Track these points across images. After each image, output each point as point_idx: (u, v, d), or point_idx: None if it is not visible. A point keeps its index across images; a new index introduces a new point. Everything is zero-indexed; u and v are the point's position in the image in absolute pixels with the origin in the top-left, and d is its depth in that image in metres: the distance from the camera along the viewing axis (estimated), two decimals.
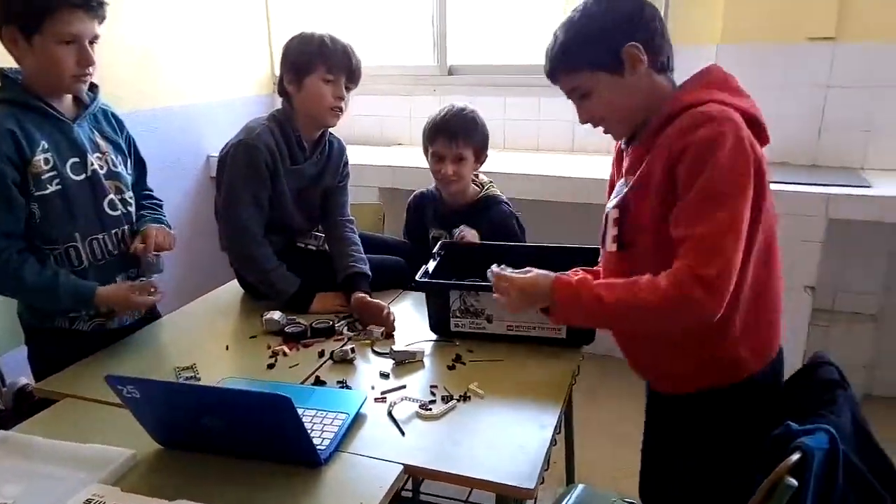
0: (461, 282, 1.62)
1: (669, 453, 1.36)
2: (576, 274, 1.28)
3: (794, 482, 0.95)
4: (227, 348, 1.58)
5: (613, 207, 1.26)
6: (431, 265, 1.69)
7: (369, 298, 1.72)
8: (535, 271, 1.28)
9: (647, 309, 1.11)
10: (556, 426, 1.25)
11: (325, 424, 1.20)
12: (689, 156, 1.10)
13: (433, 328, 1.62)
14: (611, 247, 1.26)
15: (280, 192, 1.79)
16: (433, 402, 1.31)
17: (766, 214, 1.17)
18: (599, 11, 1.18)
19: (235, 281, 1.94)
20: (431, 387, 1.37)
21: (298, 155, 1.81)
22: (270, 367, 1.47)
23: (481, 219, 1.99)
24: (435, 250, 1.79)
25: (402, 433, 1.22)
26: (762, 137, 1.18)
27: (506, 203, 2.03)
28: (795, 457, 0.96)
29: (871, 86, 2.39)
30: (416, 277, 1.62)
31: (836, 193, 2.19)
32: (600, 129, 1.27)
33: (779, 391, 1.28)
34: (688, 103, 1.15)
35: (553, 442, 1.22)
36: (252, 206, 1.74)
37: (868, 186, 2.22)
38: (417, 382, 1.40)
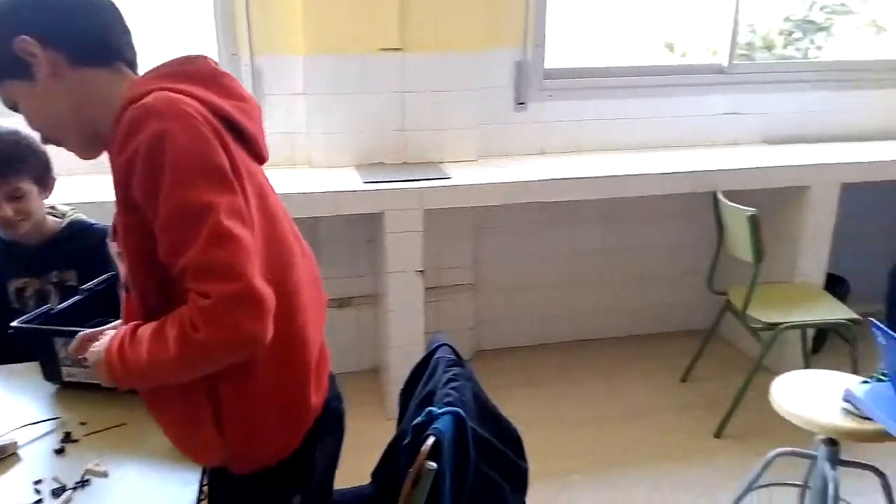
0: (60, 327, 1.36)
1: None
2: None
3: (433, 465, 1.03)
4: None
5: (111, 240, 1.07)
6: (64, 304, 1.44)
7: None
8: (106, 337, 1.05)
9: (183, 357, 0.90)
10: (200, 479, 1.14)
11: None
12: (137, 168, 0.88)
13: (46, 376, 1.40)
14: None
15: None
16: (39, 501, 1.06)
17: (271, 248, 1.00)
18: None
19: None
20: (35, 483, 1.11)
21: None
22: None
23: (76, 251, 1.71)
24: (90, 284, 1.52)
25: None
26: (257, 156, 1.06)
27: (99, 226, 1.78)
28: (430, 441, 1.04)
29: (437, 90, 2.75)
30: (17, 322, 1.36)
31: (426, 187, 2.47)
32: None
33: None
34: (129, 99, 0.93)
35: (201, 495, 1.11)
36: None
37: (449, 178, 2.56)
38: (14, 483, 1.12)
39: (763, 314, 2.44)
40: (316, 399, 1.11)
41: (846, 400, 1.61)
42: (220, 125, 0.95)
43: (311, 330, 1.09)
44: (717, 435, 2.53)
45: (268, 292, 0.90)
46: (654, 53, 3.34)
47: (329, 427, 1.16)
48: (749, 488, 1.89)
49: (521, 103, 2.87)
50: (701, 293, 2.83)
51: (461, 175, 2.60)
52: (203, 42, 2.62)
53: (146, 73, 1.02)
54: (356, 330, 2.97)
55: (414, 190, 2.45)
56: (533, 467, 2.32)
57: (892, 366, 1.46)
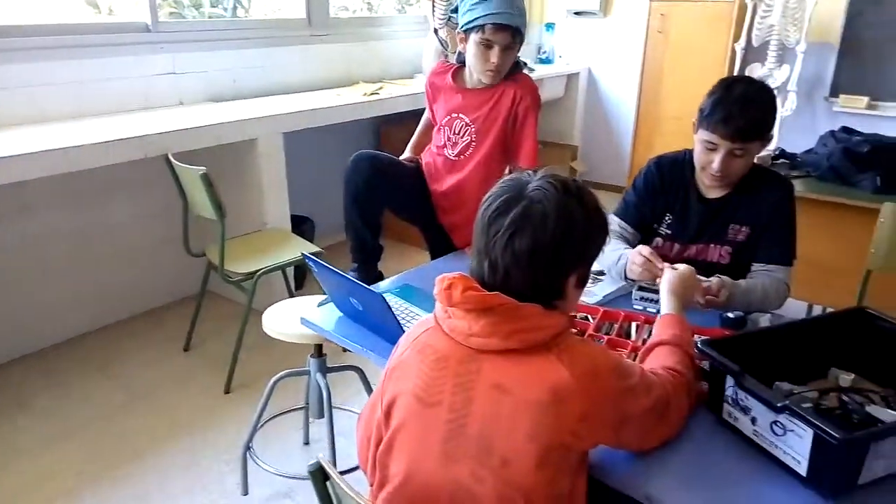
0: None
1: None
2: None
3: None
4: None
5: None
6: None
7: None
8: None
9: None
10: None
11: None
12: None
13: None
14: None
15: None
16: None
17: None
18: None
19: None
20: None
21: None
22: None
23: None
24: None
25: None
26: None
27: None
28: None
29: None
30: None
31: None
32: None
33: None
34: None
35: None
36: None
37: None
38: None
39: (239, 266, 2.55)
40: None
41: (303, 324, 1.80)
42: None
43: None
44: (227, 391, 2.60)
45: None
46: (76, 11, 3.00)
47: None
48: (257, 425, 2.00)
49: None
50: (185, 258, 2.79)
51: None
52: None
53: None
54: None
55: None
56: (29, 497, 2.00)
57: (328, 288, 1.69)
